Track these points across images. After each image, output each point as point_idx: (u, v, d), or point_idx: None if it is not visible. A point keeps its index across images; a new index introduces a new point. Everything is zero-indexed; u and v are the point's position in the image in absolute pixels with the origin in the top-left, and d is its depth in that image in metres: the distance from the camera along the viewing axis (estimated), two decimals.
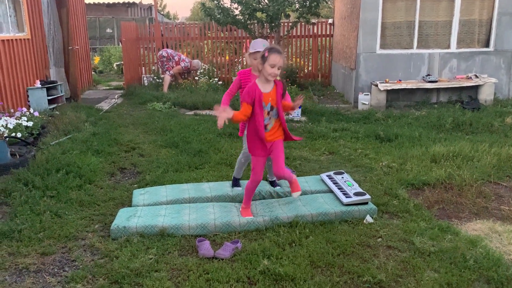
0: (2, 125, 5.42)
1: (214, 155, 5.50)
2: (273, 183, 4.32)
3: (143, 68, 12.28)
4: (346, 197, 3.85)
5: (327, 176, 4.44)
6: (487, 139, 6.00)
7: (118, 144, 6.04)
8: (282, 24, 11.42)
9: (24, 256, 3.15)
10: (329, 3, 12.43)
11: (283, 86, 3.53)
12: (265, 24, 10.92)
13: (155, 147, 5.94)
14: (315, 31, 11.97)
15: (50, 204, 3.97)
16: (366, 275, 2.85)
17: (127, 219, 3.57)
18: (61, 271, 3.01)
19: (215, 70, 11.90)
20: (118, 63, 15.81)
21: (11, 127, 5.51)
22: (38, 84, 7.87)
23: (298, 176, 4.64)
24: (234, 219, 3.57)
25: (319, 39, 11.96)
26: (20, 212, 3.77)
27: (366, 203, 3.82)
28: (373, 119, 7.51)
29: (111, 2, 21.68)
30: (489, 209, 3.97)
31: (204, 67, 11.76)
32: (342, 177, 4.32)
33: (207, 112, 8.27)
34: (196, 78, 11.24)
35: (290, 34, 11.55)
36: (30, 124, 5.86)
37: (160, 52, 10.91)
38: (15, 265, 3.06)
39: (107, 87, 12.19)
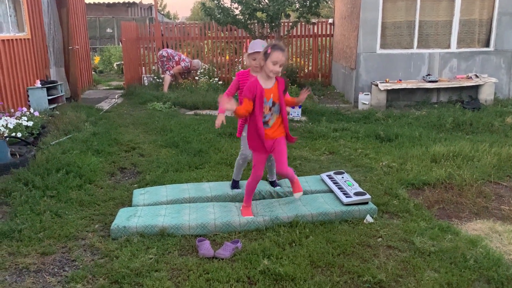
0: (2, 125, 5.42)
1: (214, 155, 5.50)
2: (273, 183, 4.32)
3: (143, 68, 12.28)
4: (346, 197, 3.85)
5: (327, 176, 4.44)
6: (487, 139, 6.00)
7: (118, 144, 6.04)
8: (282, 24, 11.43)
9: (24, 256, 3.15)
10: (329, 3, 12.44)
11: (284, 82, 3.54)
12: (265, 24, 10.92)
13: (155, 147, 5.94)
14: (315, 31, 11.96)
15: (50, 204, 3.97)
16: (366, 275, 2.85)
17: (127, 219, 3.57)
18: (61, 271, 3.01)
19: (215, 70, 11.90)
20: (118, 63, 15.81)
21: (11, 127, 5.51)
22: (38, 84, 7.87)
23: (298, 176, 4.63)
24: (234, 219, 3.57)
25: (319, 39, 11.96)
26: (20, 212, 3.77)
27: (366, 203, 3.82)
28: (373, 119, 7.51)
29: (111, 2, 21.68)
30: (489, 209, 3.97)
31: (204, 67, 11.76)
32: (342, 177, 4.32)
33: (207, 112, 8.28)
34: (196, 78, 11.24)
35: (290, 34, 11.55)
36: (30, 124, 5.86)
37: (160, 52, 10.91)
38: (15, 265, 3.06)
39: (107, 87, 12.19)
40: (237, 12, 10.82)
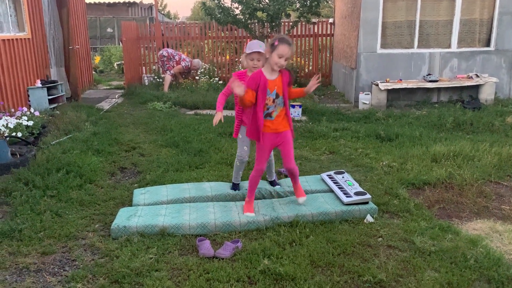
0: (3, 125, 5.43)
1: (214, 154, 5.50)
2: (272, 183, 4.32)
3: (144, 67, 12.29)
4: (347, 196, 3.85)
5: (327, 175, 4.44)
6: (487, 139, 6.00)
7: (118, 144, 6.04)
8: (282, 23, 11.43)
9: (24, 256, 3.15)
10: (329, 2, 12.44)
11: (289, 75, 3.54)
12: (265, 24, 10.92)
13: (155, 147, 5.94)
14: (316, 30, 11.96)
15: (50, 203, 3.97)
16: (367, 275, 2.85)
17: (127, 218, 3.57)
18: (62, 270, 3.01)
19: (215, 69, 11.90)
20: (118, 62, 15.82)
21: (12, 127, 5.52)
22: (38, 83, 7.87)
23: (298, 175, 4.62)
24: (235, 219, 3.57)
25: (319, 38, 11.95)
26: (20, 212, 3.77)
27: (367, 202, 3.82)
28: (373, 118, 7.51)
29: (111, 2, 21.69)
30: (489, 209, 3.96)
31: (204, 66, 11.76)
32: (343, 177, 4.32)
33: (208, 111, 8.28)
34: (197, 77, 11.24)
35: (290, 34, 11.54)
36: (30, 123, 5.86)
37: (161, 52, 10.91)
38: (16, 264, 3.06)
39: (108, 87, 12.20)
40: (237, 11, 10.83)
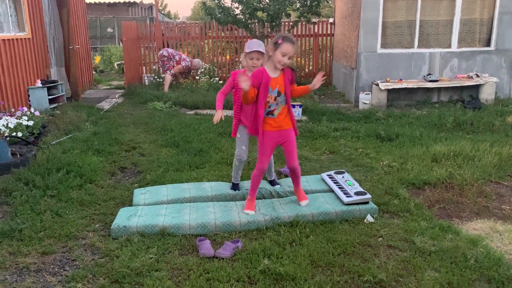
0: (3, 125, 5.43)
1: (214, 154, 5.50)
2: (272, 182, 4.32)
3: (144, 67, 12.29)
4: (347, 196, 3.84)
5: (327, 175, 4.43)
6: (488, 139, 6.00)
7: (118, 144, 6.04)
8: (282, 23, 11.42)
9: (24, 256, 3.15)
10: (330, 2, 12.44)
11: (292, 73, 3.55)
12: (265, 24, 10.92)
13: (155, 147, 5.94)
14: (316, 30, 11.96)
15: (50, 203, 3.97)
16: (367, 275, 2.85)
17: (127, 218, 3.57)
18: (62, 270, 3.01)
19: (215, 69, 11.90)
20: (118, 62, 15.82)
21: (12, 127, 5.52)
22: (39, 83, 7.87)
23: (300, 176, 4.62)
24: (235, 219, 3.57)
25: (319, 38, 11.95)
26: (20, 212, 3.77)
27: (367, 202, 3.81)
28: (373, 118, 7.50)
29: (111, 2, 21.69)
30: (490, 209, 3.96)
31: (204, 66, 11.76)
32: (343, 177, 4.31)
33: (208, 111, 8.28)
34: (197, 77, 11.24)
35: (290, 34, 11.54)
36: (30, 123, 5.86)
37: (161, 52, 10.91)
38: (16, 264, 3.06)
39: (108, 87, 12.20)
40: (237, 11, 10.83)
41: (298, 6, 10.63)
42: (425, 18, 8.65)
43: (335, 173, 4.45)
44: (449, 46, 8.78)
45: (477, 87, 8.63)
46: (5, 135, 5.26)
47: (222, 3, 10.66)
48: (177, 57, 10.80)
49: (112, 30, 20.27)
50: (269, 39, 11.48)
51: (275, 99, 3.51)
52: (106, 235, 3.48)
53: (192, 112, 8.37)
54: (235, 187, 4.22)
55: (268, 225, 3.57)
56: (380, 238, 3.39)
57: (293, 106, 7.61)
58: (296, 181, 3.83)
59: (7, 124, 5.50)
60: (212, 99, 8.70)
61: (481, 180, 4.51)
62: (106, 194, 4.29)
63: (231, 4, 10.75)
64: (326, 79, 11.66)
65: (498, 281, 2.81)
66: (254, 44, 3.80)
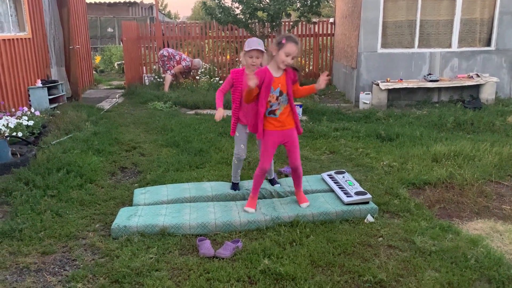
0: (3, 125, 5.43)
1: (215, 154, 5.50)
2: (272, 181, 4.32)
3: (144, 67, 12.29)
4: (347, 196, 3.84)
5: (328, 175, 4.43)
6: (488, 139, 6.00)
7: (119, 144, 6.04)
8: (283, 23, 11.42)
9: (24, 256, 3.15)
10: (330, 2, 12.44)
11: (295, 73, 3.56)
12: (266, 23, 10.92)
13: (156, 147, 5.94)
14: (316, 30, 11.96)
15: (50, 203, 3.97)
16: (367, 275, 2.85)
17: (127, 218, 3.57)
18: (62, 270, 3.01)
19: (216, 69, 11.90)
20: (119, 62, 15.82)
21: (12, 127, 5.52)
22: (39, 83, 7.87)
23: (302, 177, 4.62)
24: (235, 219, 3.57)
25: (320, 38, 11.95)
26: (21, 211, 3.77)
27: (367, 202, 3.81)
28: (374, 118, 7.50)
29: (112, 2, 21.69)
30: (490, 209, 3.96)
31: (205, 66, 11.76)
32: (343, 177, 4.31)
33: (208, 111, 8.28)
34: (197, 77, 11.24)
35: (291, 33, 11.54)
36: (31, 123, 5.86)
37: (161, 52, 10.91)
38: (16, 264, 3.06)
39: (108, 87, 12.20)
40: (237, 11, 10.83)
41: (298, 6, 10.63)
42: (426, 18, 8.64)
43: (336, 173, 4.45)
44: (450, 46, 8.78)
45: (477, 87, 8.62)
46: (5, 135, 5.26)
47: (222, 3, 10.66)
48: (177, 57, 10.80)
49: (112, 30, 20.27)
50: (270, 39, 11.49)
51: (277, 99, 3.52)
52: (106, 235, 3.48)
53: (193, 112, 8.37)
54: (235, 186, 4.22)
55: (268, 225, 3.57)
56: (381, 238, 3.39)
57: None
58: (297, 183, 3.83)
59: (7, 124, 5.50)
60: (212, 99, 8.68)
61: (482, 180, 4.51)
62: (106, 194, 4.29)
63: (231, 4, 10.76)
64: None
65: (499, 281, 2.81)
66: (253, 43, 3.80)
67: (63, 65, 9.49)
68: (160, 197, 4.05)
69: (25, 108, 6.43)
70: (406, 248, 3.23)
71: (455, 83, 8.44)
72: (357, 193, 3.85)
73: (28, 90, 7.64)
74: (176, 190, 4.21)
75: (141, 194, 4.13)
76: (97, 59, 16.70)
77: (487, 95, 8.47)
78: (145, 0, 23.52)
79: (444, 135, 6.32)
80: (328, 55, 11.96)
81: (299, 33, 11.80)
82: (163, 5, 36.46)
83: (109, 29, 20.30)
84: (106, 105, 9.14)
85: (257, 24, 11.18)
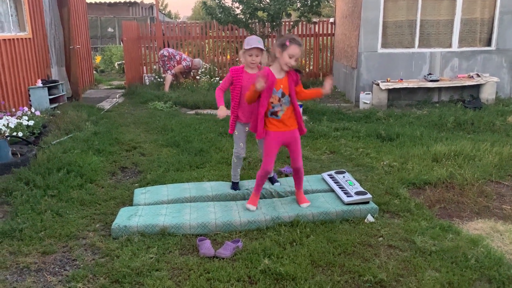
0: (4, 124, 5.43)
1: (215, 154, 5.50)
2: (271, 180, 4.32)
3: (145, 67, 12.29)
4: (347, 196, 3.84)
5: (328, 175, 4.43)
6: (488, 138, 5.99)
7: (119, 143, 6.04)
8: (283, 23, 11.42)
9: (25, 255, 3.15)
10: (330, 2, 12.43)
11: (297, 74, 3.57)
12: (266, 23, 10.92)
13: (156, 146, 5.95)
14: (317, 30, 11.95)
15: (51, 203, 3.97)
16: (367, 275, 2.85)
17: (128, 218, 3.57)
18: (62, 270, 3.01)
19: (216, 69, 11.90)
20: (119, 62, 15.83)
21: (13, 126, 5.52)
22: (39, 83, 7.88)
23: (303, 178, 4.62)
24: (235, 219, 3.57)
25: (320, 38, 11.95)
26: (21, 211, 3.77)
27: (367, 202, 3.81)
28: (374, 118, 7.50)
29: (112, 2, 21.69)
30: (490, 209, 3.96)
31: (205, 66, 11.76)
32: (344, 176, 4.31)
33: (208, 111, 8.28)
34: (198, 77, 11.24)
35: (291, 33, 11.54)
36: (31, 123, 5.86)
37: (162, 51, 10.91)
38: (16, 264, 3.06)
39: (109, 87, 12.20)
40: (238, 11, 10.82)
41: (298, 5, 10.62)
42: (426, 17, 8.64)
43: (336, 172, 4.45)
44: (450, 45, 8.78)
45: (477, 87, 8.62)
46: (6, 134, 5.26)
47: (222, 3, 10.66)
48: (177, 57, 10.80)
49: (112, 30, 20.27)
50: (270, 39, 11.49)
51: (279, 100, 3.53)
52: (107, 235, 3.48)
53: (193, 112, 8.37)
54: (235, 186, 4.22)
55: (269, 224, 3.57)
56: (381, 238, 3.39)
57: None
58: (298, 184, 3.84)
59: (7, 123, 5.50)
60: (212, 98, 8.66)
61: (482, 180, 4.51)
62: (106, 194, 4.30)
63: (232, 4, 10.75)
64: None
65: (499, 281, 2.81)
66: (253, 41, 3.80)
67: (64, 65, 9.50)
68: (160, 197, 4.05)
69: (26, 108, 6.43)
70: (407, 248, 3.23)
71: (455, 83, 8.44)
72: (357, 193, 3.85)
73: (28, 90, 7.64)
74: (176, 190, 4.21)
75: (141, 194, 4.14)
76: (98, 59, 16.70)
77: (487, 95, 8.46)
78: (145, 0, 23.53)
79: (444, 135, 6.32)
80: (328, 55, 11.96)
81: (300, 33, 11.80)
82: (164, 5, 36.46)
83: (110, 29, 20.30)
84: (106, 105, 9.15)
85: (257, 24, 11.18)
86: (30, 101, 7.61)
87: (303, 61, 12.22)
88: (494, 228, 3.56)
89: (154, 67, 12.27)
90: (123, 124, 7.28)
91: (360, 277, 2.85)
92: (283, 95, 3.52)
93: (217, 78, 11.05)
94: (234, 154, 4.15)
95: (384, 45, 8.70)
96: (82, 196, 4.18)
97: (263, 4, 10.53)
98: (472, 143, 5.62)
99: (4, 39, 6.91)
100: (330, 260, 3.05)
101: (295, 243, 3.30)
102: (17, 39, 7.35)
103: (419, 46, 8.74)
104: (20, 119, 5.77)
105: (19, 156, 5.10)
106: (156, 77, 11.38)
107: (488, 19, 8.76)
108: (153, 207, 3.80)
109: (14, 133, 5.45)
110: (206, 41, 12.79)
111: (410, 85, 8.38)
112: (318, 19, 12.03)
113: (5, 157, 4.89)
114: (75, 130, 6.45)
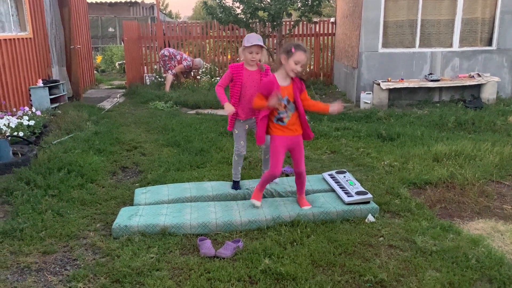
0: (5, 124, 5.44)
1: (215, 154, 5.50)
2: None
3: (145, 67, 12.29)
4: (348, 196, 3.84)
5: (329, 175, 4.43)
6: (489, 138, 5.99)
7: (120, 143, 6.04)
8: (284, 23, 11.41)
9: (25, 255, 3.16)
10: (331, 1, 12.42)
11: (302, 82, 3.59)
12: (266, 23, 10.91)
13: (156, 146, 5.95)
14: (317, 30, 11.95)
15: (51, 203, 3.97)
16: (368, 275, 2.85)
17: (128, 218, 3.57)
18: (63, 270, 3.02)
19: (217, 69, 11.90)
20: (120, 62, 15.83)
21: (13, 126, 5.53)
22: (40, 83, 7.88)
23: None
24: (236, 218, 3.57)
25: (321, 38, 11.94)
26: (22, 211, 3.77)
27: (368, 202, 3.81)
28: (375, 118, 7.49)
29: (113, 1, 21.69)
30: (491, 208, 3.95)
31: (206, 66, 11.76)
32: (344, 176, 4.31)
33: (209, 111, 8.28)
34: (198, 77, 11.24)
35: (292, 33, 11.53)
36: (32, 123, 5.87)
37: (162, 51, 10.92)
38: (17, 264, 3.06)
39: (109, 86, 12.21)
40: (238, 11, 10.81)
41: (299, 5, 10.61)
42: (427, 17, 8.63)
43: (337, 172, 4.45)
44: (451, 45, 8.77)
45: (478, 87, 8.61)
46: (7, 134, 5.27)
47: (223, 3, 10.65)
48: (178, 57, 10.81)
49: (113, 30, 20.28)
50: (270, 39, 11.48)
51: (284, 107, 3.54)
52: (107, 235, 3.48)
53: (193, 111, 8.37)
54: (235, 185, 4.22)
55: (269, 224, 3.57)
56: (381, 238, 3.38)
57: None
58: (300, 188, 3.84)
59: (8, 123, 5.51)
60: (213, 98, 8.71)
61: (483, 179, 4.50)
62: (107, 194, 4.30)
63: (232, 4, 10.74)
64: (328, 79, 11.69)
65: (500, 281, 2.80)
66: (253, 38, 3.79)
67: (64, 65, 9.50)
68: (161, 196, 4.05)
69: (26, 108, 6.44)
70: (407, 248, 3.23)
71: (456, 82, 8.43)
72: (358, 193, 3.85)
73: (29, 90, 7.65)
74: (177, 189, 4.21)
75: (142, 194, 4.14)
76: (98, 59, 16.71)
77: (488, 94, 8.46)
78: (146, 0, 23.52)
79: (445, 135, 6.32)
80: (329, 54, 11.95)
81: (300, 32, 11.80)
82: (164, 5, 36.46)
83: (110, 29, 20.31)
84: (107, 104, 9.15)
85: (258, 23, 11.18)
86: (31, 101, 7.61)
87: None
88: (495, 228, 3.56)
89: (155, 67, 12.27)
90: (123, 124, 7.29)
91: (361, 277, 2.85)
92: (288, 102, 3.53)
93: (218, 78, 11.05)
94: (235, 152, 4.15)
95: (384, 45, 8.70)
96: (83, 196, 4.18)
97: (263, 4, 10.52)
98: (473, 143, 5.61)
99: (5, 39, 6.92)
100: (330, 260, 3.05)
101: (295, 243, 3.30)
102: (18, 39, 7.36)
103: (420, 46, 8.74)
104: (21, 119, 5.78)
105: (20, 156, 5.10)
106: (157, 77, 11.38)
107: (489, 19, 8.75)
108: (154, 207, 3.80)
109: (15, 133, 5.46)
110: (207, 41, 12.79)
111: (411, 85, 8.38)
112: (318, 19, 12.02)
113: (6, 156, 4.90)
114: (76, 130, 6.46)
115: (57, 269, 3.02)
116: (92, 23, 17.88)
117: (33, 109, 6.70)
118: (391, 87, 8.32)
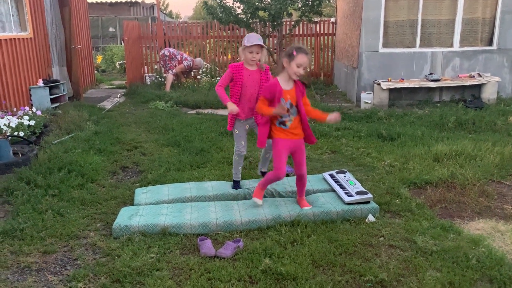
0: (5, 124, 5.44)
1: (216, 154, 5.50)
2: (264, 174, 4.33)
3: (146, 67, 12.29)
4: (348, 196, 3.84)
5: (329, 175, 4.43)
6: (490, 138, 5.98)
7: (120, 143, 6.04)
8: (284, 23, 11.41)
9: (26, 255, 3.16)
10: (331, 1, 12.41)
11: (304, 86, 3.61)
12: (267, 23, 10.91)
13: (157, 146, 5.95)
14: (318, 30, 11.94)
15: (52, 203, 3.97)
16: (368, 274, 2.85)
17: (129, 218, 3.57)
18: (63, 269, 3.02)
19: (217, 69, 11.90)
20: (120, 62, 15.83)
21: (14, 126, 5.53)
22: (40, 83, 7.88)
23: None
24: (236, 218, 3.57)
25: (321, 38, 11.94)
26: (22, 211, 3.78)
27: (368, 202, 3.81)
28: (375, 118, 7.49)
29: (113, 1, 21.70)
30: (491, 208, 3.95)
31: (206, 66, 11.75)
32: (344, 176, 4.31)
33: (209, 111, 8.28)
34: (198, 77, 11.24)
35: (292, 33, 11.54)
36: (32, 123, 5.87)
37: (163, 51, 10.92)
38: (17, 263, 3.06)
39: (110, 86, 12.21)
40: (239, 11, 10.82)
41: (299, 5, 10.61)
42: (427, 17, 8.63)
43: (337, 172, 4.45)
44: (451, 45, 8.76)
45: (479, 87, 8.60)
46: (7, 134, 5.27)
47: (223, 3, 10.66)
48: (178, 57, 10.81)
49: (114, 30, 20.28)
50: (271, 39, 11.48)
51: (287, 111, 3.53)
52: (108, 235, 3.48)
53: (194, 111, 8.37)
54: (236, 185, 4.22)
55: (270, 224, 3.57)
56: (382, 238, 3.38)
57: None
58: (300, 191, 3.84)
59: (9, 123, 5.52)
60: (213, 98, 8.71)
61: (483, 179, 4.50)
62: (107, 194, 4.30)
63: (233, 4, 10.74)
64: (328, 79, 11.69)
65: (500, 281, 2.80)
66: (253, 38, 3.79)
67: (65, 64, 9.50)
68: (161, 196, 4.05)
69: (27, 108, 6.44)
70: (407, 248, 3.23)
71: (456, 82, 8.43)
72: (358, 193, 3.85)
73: (29, 90, 7.65)
74: (177, 189, 4.21)
75: (142, 194, 4.14)
76: (99, 58, 16.71)
77: (488, 94, 8.45)
78: (146, 0, 23.53)
79: (445, 135, 6.31)
80: (329, 54, 11.95)
81: (300, 32, 11.80)
82: (165, 5, 36.46)
83: (111, 29, 20.32)
84: (107, 104, 9.15)
85: (258, 23, 11.18)
86: (31, 100, 7.62)
87: None
88: (495, 228, 3.56)
89: (155, 66, 12.27)
90: (124, 123, 7.29)
91: (361, 277, 2.85)
92: (291, 105, 3.53)
93: (218, 78, 11.03)
94: (236, 152, 4.16)
95: (385, 45, 8.70)
96: (83, 195, 4.18)
97: (264, 3, 10.53)
98: (474, 142, 5.61)
99: (5, 39, 6.92)
100: (331, 260, 3.05)
101: (296, 243, 3.30)
102: (18, 39, 7.36)
103: (420, 46, 8.74)
104: (21, 119, 5.78)
105: (20, 155, 5.10)
106: (157, 76, 11.38)
107: (490, 19, 8.74)
108: (154, 207, 3.80)
109: (15, 133, 5.46)
110: (207, 40, 12.79)
111: (411, 85, 8.37)
112: (319, 19, 12.02)
113: (6, 156, 4.90)
114: (76, 129, 6.46)
115: (58, 269, 3.02)
116: (93, 23, 17.89)
117: (34, 109, 6.70)
118: (391, 87, 8.32)
